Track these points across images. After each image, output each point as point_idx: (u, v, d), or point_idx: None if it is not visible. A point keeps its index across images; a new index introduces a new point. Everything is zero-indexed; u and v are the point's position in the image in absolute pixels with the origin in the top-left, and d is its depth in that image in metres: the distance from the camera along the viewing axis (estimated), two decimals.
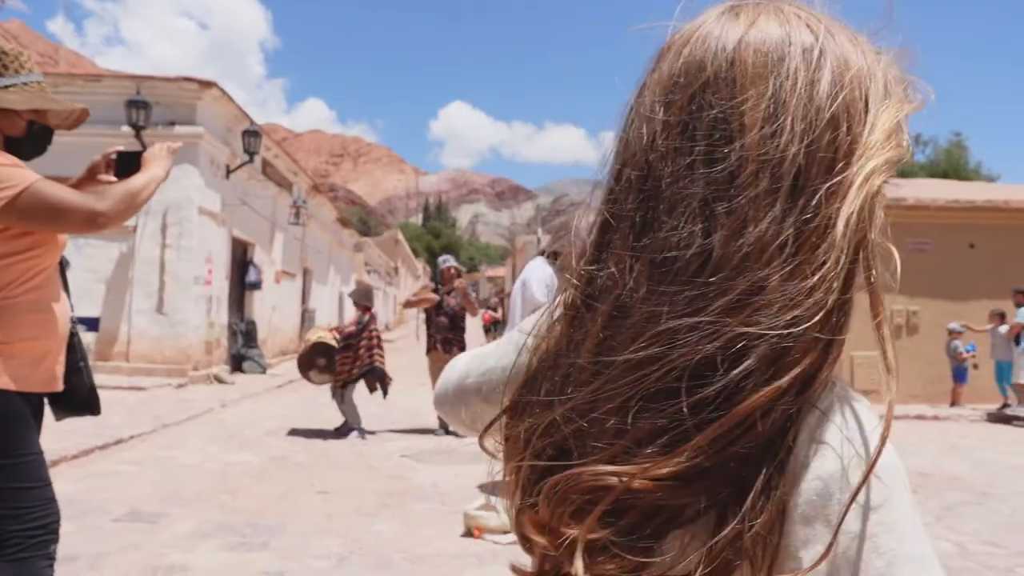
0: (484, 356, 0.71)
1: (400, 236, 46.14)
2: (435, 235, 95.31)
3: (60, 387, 1.91)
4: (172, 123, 11.30)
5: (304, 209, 15.92)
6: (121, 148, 2.04)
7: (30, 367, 1.79)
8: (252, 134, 12.17)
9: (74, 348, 2.00)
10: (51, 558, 1.77)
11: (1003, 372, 10.43)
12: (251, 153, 12.36)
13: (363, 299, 7.39)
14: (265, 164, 15.21)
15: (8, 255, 1.76)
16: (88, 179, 2.00)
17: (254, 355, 13.61)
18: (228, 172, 12.63)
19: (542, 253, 4.80)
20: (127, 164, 1.99)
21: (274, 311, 15.72)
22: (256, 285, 14.11)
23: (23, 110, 1.85)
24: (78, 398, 2.00)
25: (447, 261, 7.70)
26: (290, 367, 12.82)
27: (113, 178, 1.97)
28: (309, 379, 7.17)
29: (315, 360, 7.03)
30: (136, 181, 1.89)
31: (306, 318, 19.11)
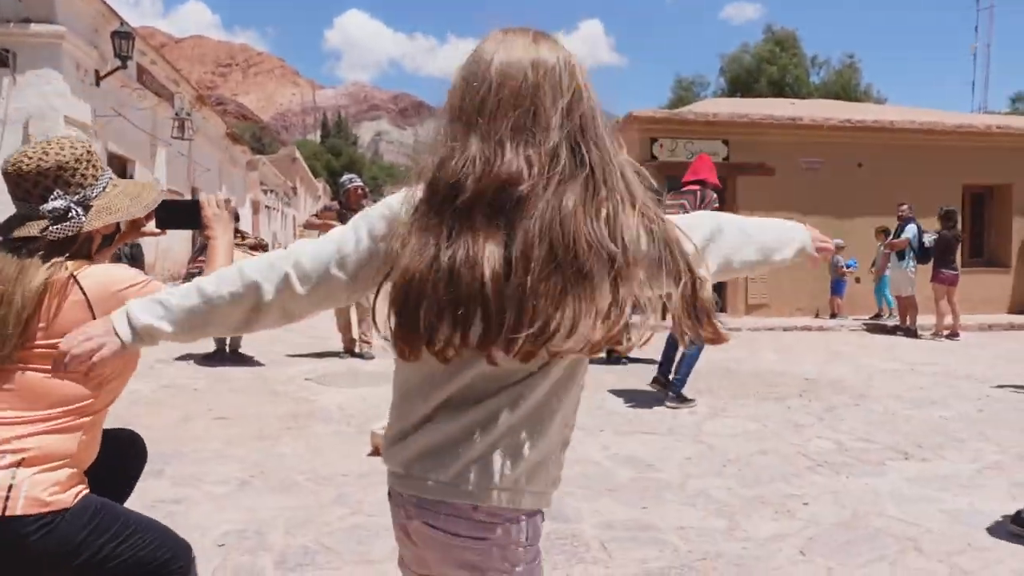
0: None
1: (297, 154, 43.99)
2: (335, 154, 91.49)
3: None
4: (27, 20, 10.06)
5: (189, 122, 14.78)
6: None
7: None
8: (123, 36, 11.00)
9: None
10: None
11: (884, 284, 11.27)
12: (124, 57, 11.21)
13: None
14: (141, 71, 13.91)
15: (120, 375, 1.70)
16: (131, 230, 1.84)
17: None
18: (98, 79, 11.46)
19: None
20: (170, 214, 1.84)
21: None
22: None
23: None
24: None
25: (353, 180, 7.36)
26: None
27: (156, 229, 1.87)
28: None
29: None
30: (221, 263, 1.79)
31: (197, 240, 18.09)
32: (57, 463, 1.55)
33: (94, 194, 1.65)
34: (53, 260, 1.56)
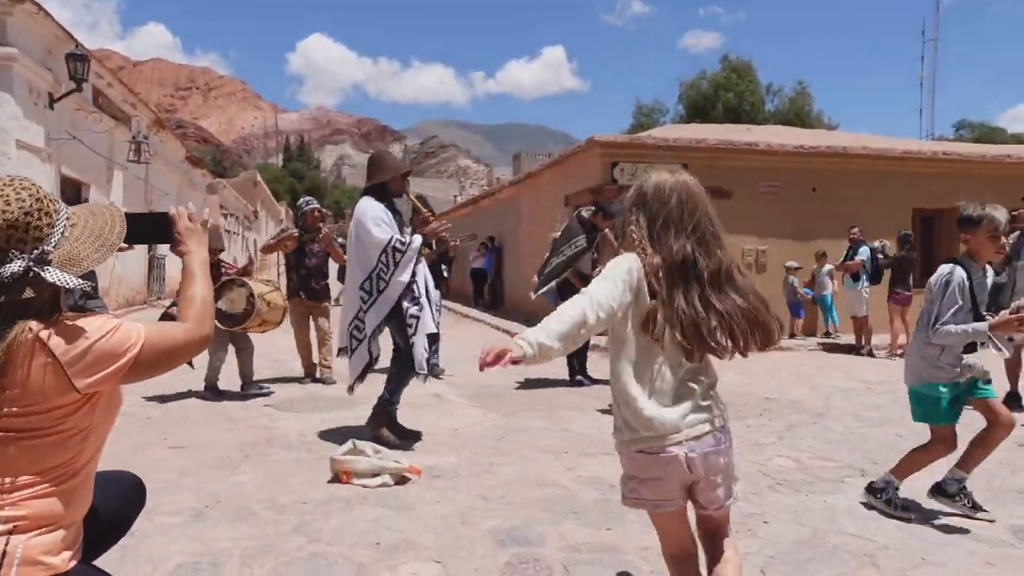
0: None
1: (259, 178, 43.54)
2: (298, 177, 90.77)
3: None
4: None
5: (146, 145, 14.54)
6: (125, 211, 1.75)
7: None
8: (78, 58, 10.83)
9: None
10: None
11: (826, 305, 11.61)
12: (78, 80, 11.02)
13: (215, 242, 6.82)
14: (97, 94, 13.68)
15: (104, 422, 1.63)
16: None
17: (95, 307, 12.36)
18: (52, 102, 11.23)
19: (366, 192, 4.74)
20: (136, 227, 1.73)
21: (116, 258, 14.42)
22: None
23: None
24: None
25: (310, 203, 7.31)
26: (138, 319, 11.87)
27: (124, 244, 1.73)
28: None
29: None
30: (197, 282, 1.77)
31: (155, 265, 17.73)
32: (50, 526, 1.50)
33: (52, 244, 1.51)
34: (15, 324, 1.45)
